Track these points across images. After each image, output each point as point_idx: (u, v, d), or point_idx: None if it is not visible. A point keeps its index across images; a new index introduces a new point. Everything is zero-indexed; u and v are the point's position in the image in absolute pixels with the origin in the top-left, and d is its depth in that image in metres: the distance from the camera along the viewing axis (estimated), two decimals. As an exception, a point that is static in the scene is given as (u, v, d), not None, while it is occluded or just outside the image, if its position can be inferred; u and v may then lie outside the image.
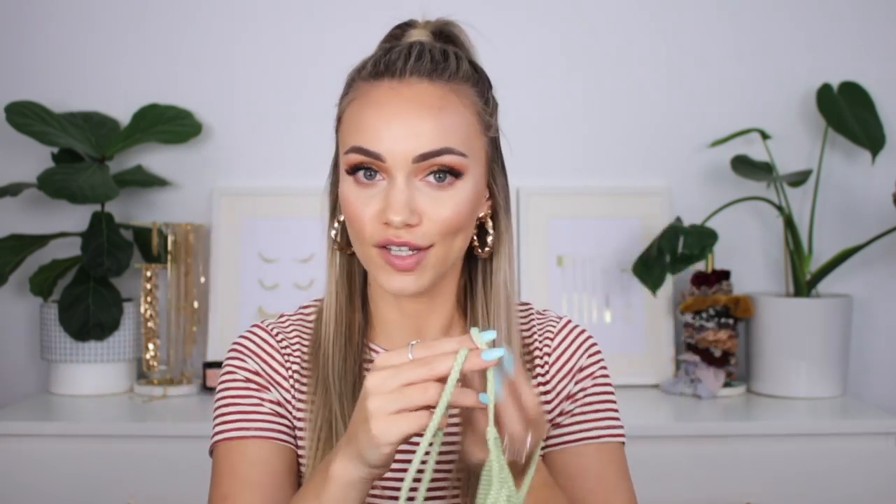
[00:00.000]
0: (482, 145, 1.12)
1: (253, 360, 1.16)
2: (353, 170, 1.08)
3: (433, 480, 1.14)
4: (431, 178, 1.07)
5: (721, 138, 2.28)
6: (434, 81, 1.09)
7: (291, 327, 1.19)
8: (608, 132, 2.33)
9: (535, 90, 2.32)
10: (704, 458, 1.92)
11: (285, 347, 1.17)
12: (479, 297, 1.17)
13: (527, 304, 1.24)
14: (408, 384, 0.92)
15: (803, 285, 2.17)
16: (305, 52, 2.30)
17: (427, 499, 1.13)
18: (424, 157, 1.06)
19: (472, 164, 1.09)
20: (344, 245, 1.16)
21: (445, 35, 1.17)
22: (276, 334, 1.18)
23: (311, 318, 1.20)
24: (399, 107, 1.07)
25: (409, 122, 1.06)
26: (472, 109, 1.11)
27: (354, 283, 1.18)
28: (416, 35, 1.14)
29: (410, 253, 1.07)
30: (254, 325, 1.20)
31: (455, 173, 1.07)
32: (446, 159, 1.06)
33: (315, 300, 1.22)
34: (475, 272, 1.17)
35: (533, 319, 1.22)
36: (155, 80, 2.31)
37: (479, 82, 1.13)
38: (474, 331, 0.94)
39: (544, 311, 1.24)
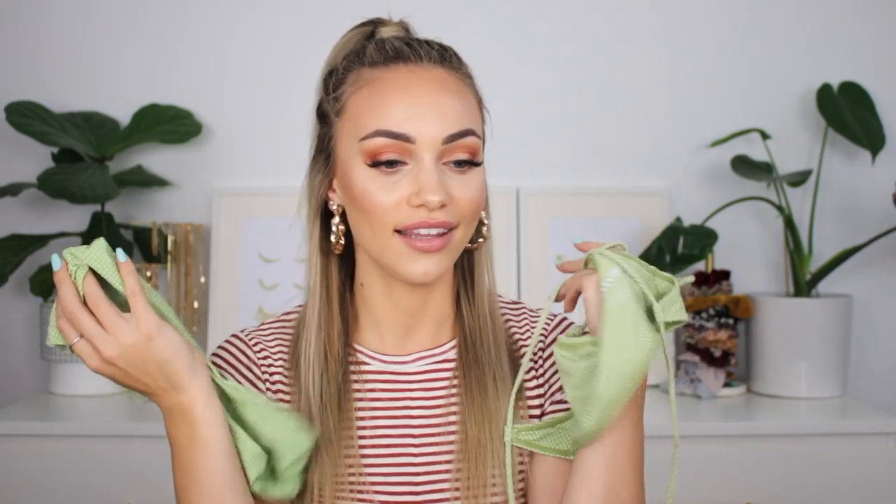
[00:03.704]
0: (482, 133, 1.14)
1: (229, 374, 1.15)
2: (374, 163, 1.07)
3: (428, 464, 1.14)
4: (452, 164, 1.08)
5: (721, 138, 2.28)
6: (446, 68, 1.11)
7: (272, 336, 1.18)
8: (608, 132, 2.33)
9: (535, 90, 2.32)
10: (704, 458, 1.92)
11: (265, 358, 1.16)
12: (461, 291, 1.18)
13: (518, 302, 1.24)
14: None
15: (803, 285, 2.17)
16: (305, 52, 2.30)
17: (427, 471, 1.14)
18: (453, 137, 1.07)
19: (483, 149, 1.12)
20: (337, 245, 1.15)
21: (408, 32, 1.18)
22: (255, 344, 1.17)
23: (292, 323, 1.19)
24: (424, 88, 1.08)
25: (437, 104, 1.07)
26: (475, 98, 1.14)
27: (334, 286, 1.17)
28: (389, 31, 1.15)
29: (439, 234, 1.07)
30: (232, 336, 1.19)
31: (473, 162, 1.09)
32: (470, 140, 1.08)
33: (298, 306, 1.21)
34: (459, 267, 1.18)
35: (525, 317, 1.22)
36: (155, 80, 2.31)
37: (472, 75, 1.15)
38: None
39: (537, 310, 1.24)
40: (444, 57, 1.11)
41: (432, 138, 1.06)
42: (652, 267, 1.06)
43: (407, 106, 1.06)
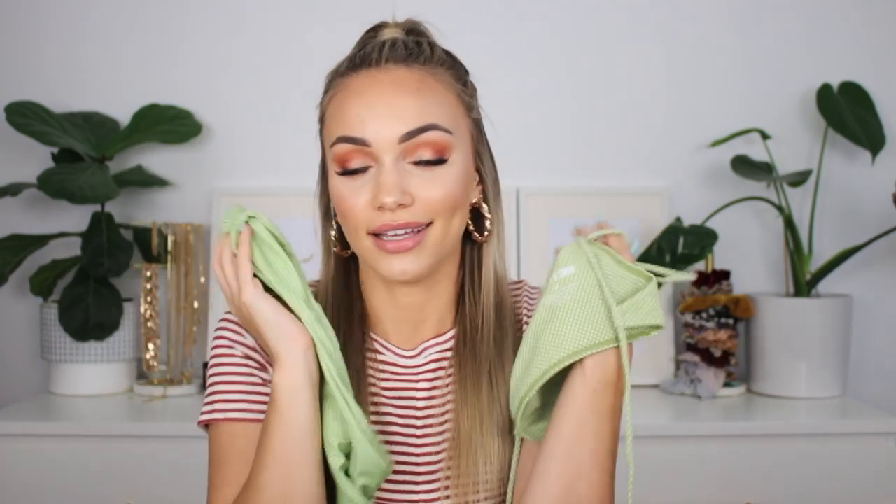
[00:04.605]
0: (466, 126, 1.13)
1: (250, 335, 1.14)
2: (343, 171, 1.09)
3: (427, 454, 1.15)
4: (417, 163, 1.08)
5: (721, 138, 2.28)
6: (410, 66, 1.11)
7: None
8: (608, 132, 2.33)
9: (535, 90, 2.32)
10: (704, 458, 1.92)
11: None
12: (467, 283, 1.18)
13: (520, 281, 1.25)
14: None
15: (803, 285, 2.17)
16: (305, 53, 2.30)
17: (426, 461, 1.14)
18: (410, 135, 1.07)
19: (458, 142, 1.11)
20: (341, 247, 1.17)
21: (417, 33, 1.18)
22: None
23: None
24: (379, 91, 1.09)
25: (390, 104, 1.08)
26: (451, 90, 1.12)
27: (351, 280, 1.18)
28: (389, 34, 1.16)
29: (408, 234, 1.08)
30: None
31: (440, 161, 1.09)
32: (431, 135, 1.08)
33: (314, 281, 1.21)
34: (467, 261, 1.18)
35: (525, 294, 1.22)
36: (155, 80, 2.31)
37: (455, 66, 1.15)
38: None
39: (534, 288, 1.24)
40: (412, 55, 1.11)
41: (388, 139, 1.07)
42: (631, 264, 1.04)
43: (362, 109, 1.08)
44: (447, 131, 1.09)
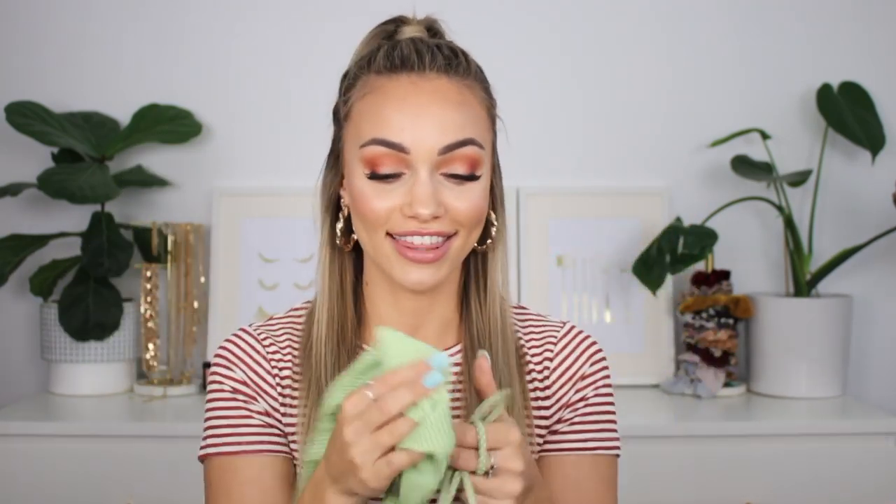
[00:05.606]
0: (490, 141, 1.14)
1: (239, 368, 1.14)
2: (372, 174, 1.08)
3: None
4: (450, 177, 1.08)
5: (721, 138, 2.28)
6: (451, 77, 1.10)
7: (281, 330, 1.18)
8: (608, 132, 2.33)
9: (535, 90, 2.32)
10: (704, 458, 1.92)
11: (274, 353, 1.15)
12: (472, 293, 1.17)
13: (522, 307, 1.24)
14: (379, 427, 0.92)
15: (803, 285, 2.17)
16: (306, 53, 2.30)
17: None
18: (449, 148, 1.07)
19: (487, 158, 1.11)
20: (344, 242, 1.15)
21: (434, 32, 1.17)
22: (265, 339, 1.16)
23: (302, 319, 1.19)
24: (422, 100, 1.08)
25: (434, 115, 1.07)
26: (483, 105, 1.13)
27: (347, 281, 1.17)
28: (411, 31, 1.15)
29: (432, 243, 1.08)
30: (240, 329, 1.18)
31: (472, 176, 1.09)
32: (469, 150, 1.08)
33: (306, 302, 1.21)
34: (470, 269, 1.18)
35: (530, 323, 1.21)
36: (155, 80, 2.31)
37: (485, 81, 1.15)
38: (436, 357, 0.93)
39: (543, 315, 1.23)
40: (451, 64, 1.10)
41: (428, 149, 1.06)
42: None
43: (404, 116, 1.07)
44: (481, 147, 1.09)
